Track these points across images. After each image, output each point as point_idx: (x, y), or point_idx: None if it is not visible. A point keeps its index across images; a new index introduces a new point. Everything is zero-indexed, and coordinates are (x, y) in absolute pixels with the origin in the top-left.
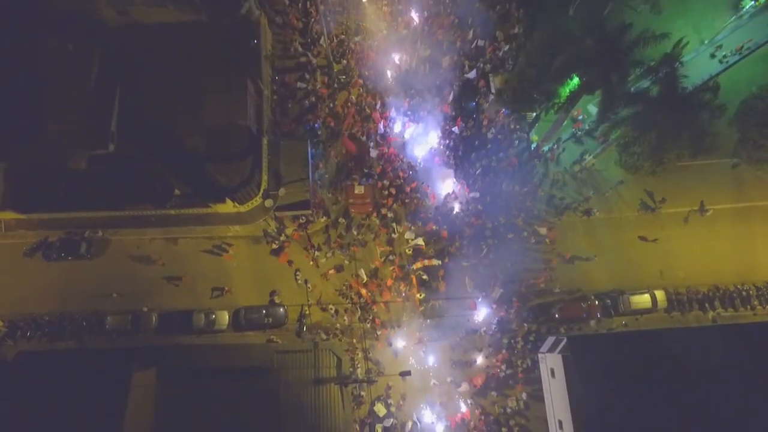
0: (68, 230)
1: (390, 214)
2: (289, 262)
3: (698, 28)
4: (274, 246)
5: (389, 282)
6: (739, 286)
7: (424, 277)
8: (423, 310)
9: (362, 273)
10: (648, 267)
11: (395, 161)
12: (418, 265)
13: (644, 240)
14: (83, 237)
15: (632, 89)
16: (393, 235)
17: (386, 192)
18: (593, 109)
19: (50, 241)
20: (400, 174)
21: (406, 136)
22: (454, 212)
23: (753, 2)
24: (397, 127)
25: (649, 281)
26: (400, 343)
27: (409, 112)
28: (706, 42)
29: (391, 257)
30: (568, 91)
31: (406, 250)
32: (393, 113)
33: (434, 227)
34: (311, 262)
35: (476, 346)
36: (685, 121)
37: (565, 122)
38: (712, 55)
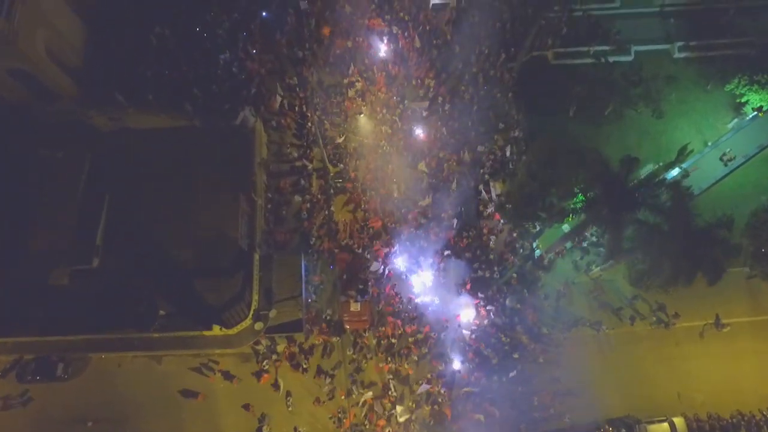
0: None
1: (394, 397)
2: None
3: (701, 129)
4: (265, 366)
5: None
6: (765, 412)
7: None
8: None
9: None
10: (664, 388)
11: (395, 302)
12: None
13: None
14: (61, 357)
15: (640, 217)
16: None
17: (384, 341)
18: None
19: (25, 360)
20: (398, 323)
21: (404, 268)
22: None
23: (755, 113)
24: (398, 262)
25: (666, 404)
26: None
27: (407, 243)
28: (709, 144)
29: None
30: (571, 220)
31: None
32: (393, 240)
33: (437, 389)
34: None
35: None
36: (698, 257)
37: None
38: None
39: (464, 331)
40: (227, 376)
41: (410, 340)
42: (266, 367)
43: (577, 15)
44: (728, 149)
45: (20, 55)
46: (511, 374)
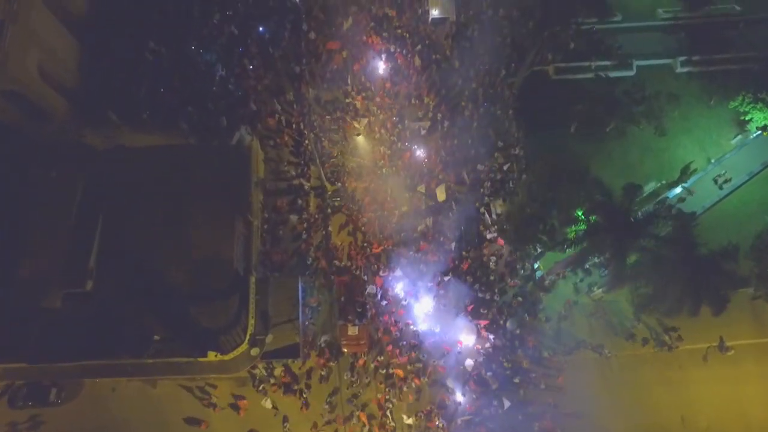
0: None
1: (392, 426)
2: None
3: (704, 146)
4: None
5: None
6: None
7: None
8: None
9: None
10: (667, 413)
11: (394, 330)
12: None
13: None
14: (53, 381)
15: (644, 244)
16: None
17: (383, 370)
18: None
19: (17, 384)
20: (397, 352)
21: (403, 294)
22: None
23: (759, 132)
24: (397, 287)
25: (670, 429)
26: None
27: (407, 267)
28: (713, 161)
29: None
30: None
31: None
32: (392, 265)
33: (436, 422)
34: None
35: None
36: (703, 288)
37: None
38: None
39: (468, 360)
40: (212, 404)
41: (409, 368)
42: (263, 388)
43: (585, 29)
44: (723, 171)
45: (11, 78)
46: (508, 404)
